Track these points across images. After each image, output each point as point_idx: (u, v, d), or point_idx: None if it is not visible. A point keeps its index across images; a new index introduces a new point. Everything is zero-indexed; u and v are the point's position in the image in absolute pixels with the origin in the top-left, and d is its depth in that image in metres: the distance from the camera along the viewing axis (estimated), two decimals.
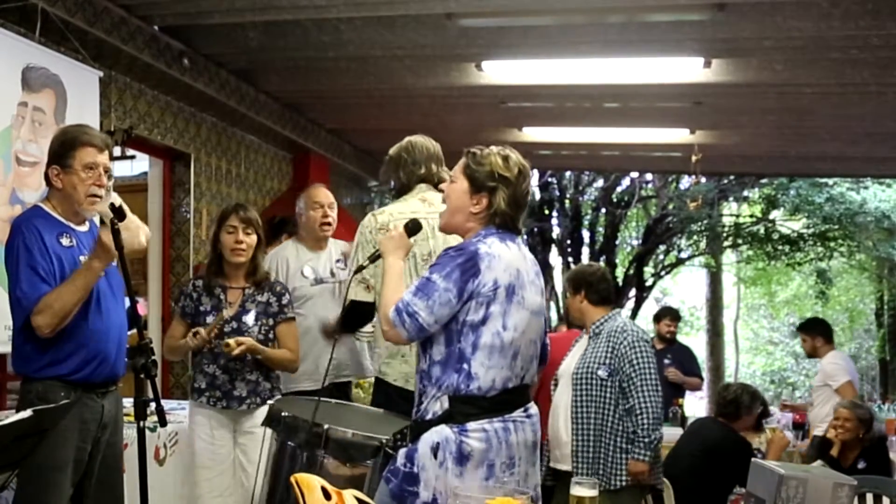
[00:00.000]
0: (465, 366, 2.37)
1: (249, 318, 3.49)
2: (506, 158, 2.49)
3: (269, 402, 3.49)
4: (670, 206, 13.04)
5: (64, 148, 2.84)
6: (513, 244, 2.48)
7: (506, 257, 2.41)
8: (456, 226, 2.53)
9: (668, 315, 6.84)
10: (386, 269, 2.54)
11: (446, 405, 2.38)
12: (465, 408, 2.36)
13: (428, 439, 2.36)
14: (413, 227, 2.63)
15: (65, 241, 2.84)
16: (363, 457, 2.53)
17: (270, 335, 3.52)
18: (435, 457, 2.34)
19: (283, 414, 2.70)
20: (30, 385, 2.82)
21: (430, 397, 2.41)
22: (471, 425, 2.35)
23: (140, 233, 3.10)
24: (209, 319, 3.49)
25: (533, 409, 2.50)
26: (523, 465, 2.45)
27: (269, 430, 2.81)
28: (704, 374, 16.11)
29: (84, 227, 2.95)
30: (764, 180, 12.48)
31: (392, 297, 2.40)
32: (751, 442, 4.50)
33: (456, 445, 2.34)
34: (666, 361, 6.45)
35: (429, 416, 2.40)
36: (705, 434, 4.40)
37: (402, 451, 2.41)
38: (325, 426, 2.55)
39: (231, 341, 3.36)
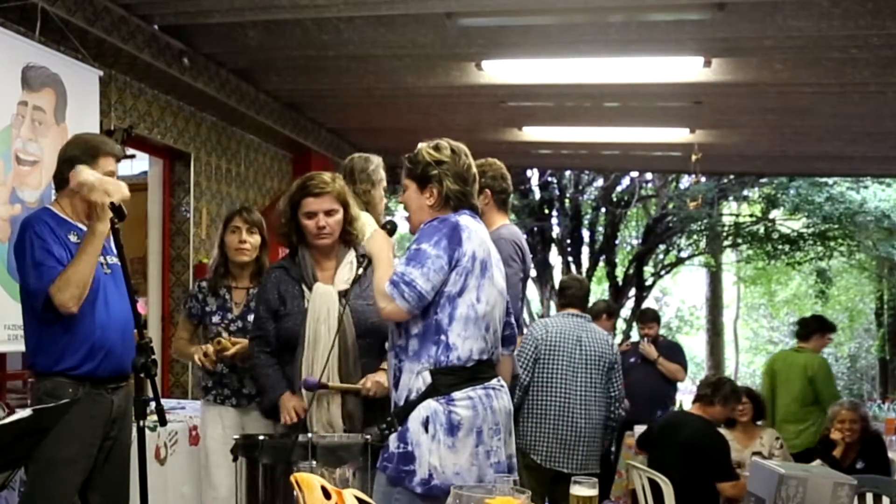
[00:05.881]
0: (443, 337, 2.44)
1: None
2: (435, 147, 2.61)
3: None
4: (670, 206, 13.04)
5: (87, 154, 2.91)
6: (482, 226, 2.61)
7: (480, 233, 2.53)
8: (422, 223, 2.60)
9: (643, 317, 6.90)
10: (376, 259, 2.59)
11: (429, 379, 2.44)
12: (448, 379, 2.43)
13: (417, 416, 2.42)
14: (392, 228, 2.72)
15: (73, 239, 2.89)
16: (353, 456, 2.56)
17: None
18: (426, 431, 2.40)
19: (260, 438, 2.71)
20: (39, 382, 2.87)
21: (409, 373, 2.46)
22: (456, 395, 2.42)
23: (122, 188, 2.92)
24: (215, 319, 3.53)
25: (503, 381, 2.60)
26: (504, 433, 2.53)
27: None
28: (704, 373, 16.19)
29: None
30: (764, 180, 12.48)
31: (385, 276, 2.45)
32: (727, 437, 4.51)
33: (445, 416, 2.40)
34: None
35: (413, 396, 2.45)
36: (681, 429, 4.38)
37: (392, 436, 2.45)
38: (310, 435, 2.60)
39: (224, 340, 3.37)
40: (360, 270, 2.78)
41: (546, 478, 4.16)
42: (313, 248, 3.07)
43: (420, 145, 2.63)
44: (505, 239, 3.40)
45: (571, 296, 4.56)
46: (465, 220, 2.51)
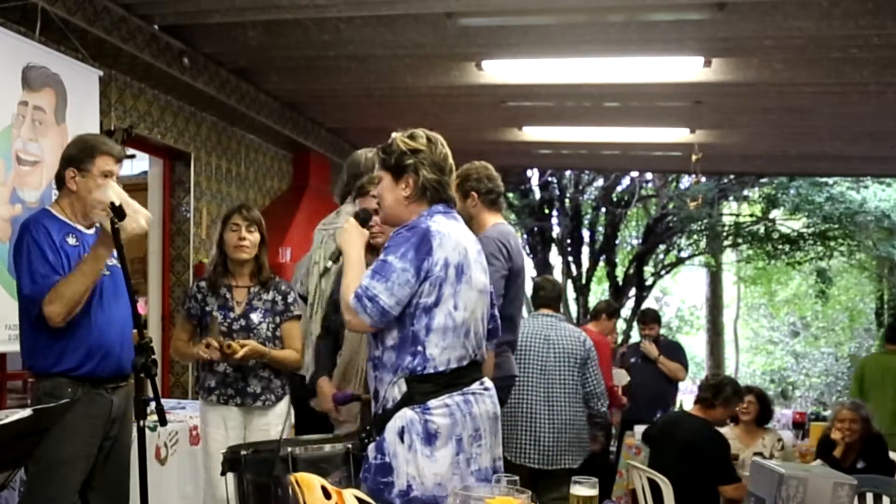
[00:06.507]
0: (420, 348, 2.36)
1: (256, 317, 3.50)
2: (410, 136, 2.50)
3: (282, 399, 3.50)
4: (670, 206, 13.03)
5: (84, 153, 2.92)
6: (458, 222, 2.50)
7: (454, 235, 2.41)
8: (397, 216, 2.51)
9: (644, 318, 6.92)
10: (346, 260, 2.52)
11: (404, 388, 2.36)
12: (423, 387, 2.36)
13: (393, 426, 2.35)
14: (364, 217, 2.62)
15: (71, 241, 2.89)
16: (335, 467, 2.53)
17: (277, 333, 3.53)
18: (402, 441, 2.32)
19: (242, 454, 2.67)
20: (39, 383, 2.89)
21: (387, 384, 2.39)
22: (433, 403, 2.35)
23: (140, 217, 2.89)
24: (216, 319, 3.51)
25: (488, 382, 2.51)
26: (488, 437, 2.44)
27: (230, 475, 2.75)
28: (704, 373, 16.18)
29: (91, 231, 2.99)
30: (764, 180, 12.48)
31: (352, 286, 2.38)
32: (726, 436, 4.48)
33: (421, 425, 2.33)
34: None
35: (389, 405, 2.38)
36: (680, 430, 4.37)
37: (371, 447, 2.39)
38: (288, 449, 2.55)
39: (234, 343, 3.35)
40: (331, 264, 2.71)
41: (522, 475, 4.14)
42: (373, 248, 3.01)
43: (394, 135, 2.51)
44: (489, 237, 3.39)
45: (544, 297, 4.64)
46: (436, 224, 2.39)
